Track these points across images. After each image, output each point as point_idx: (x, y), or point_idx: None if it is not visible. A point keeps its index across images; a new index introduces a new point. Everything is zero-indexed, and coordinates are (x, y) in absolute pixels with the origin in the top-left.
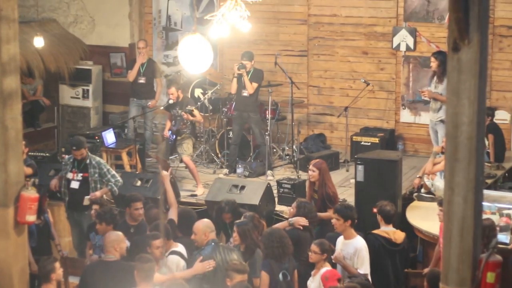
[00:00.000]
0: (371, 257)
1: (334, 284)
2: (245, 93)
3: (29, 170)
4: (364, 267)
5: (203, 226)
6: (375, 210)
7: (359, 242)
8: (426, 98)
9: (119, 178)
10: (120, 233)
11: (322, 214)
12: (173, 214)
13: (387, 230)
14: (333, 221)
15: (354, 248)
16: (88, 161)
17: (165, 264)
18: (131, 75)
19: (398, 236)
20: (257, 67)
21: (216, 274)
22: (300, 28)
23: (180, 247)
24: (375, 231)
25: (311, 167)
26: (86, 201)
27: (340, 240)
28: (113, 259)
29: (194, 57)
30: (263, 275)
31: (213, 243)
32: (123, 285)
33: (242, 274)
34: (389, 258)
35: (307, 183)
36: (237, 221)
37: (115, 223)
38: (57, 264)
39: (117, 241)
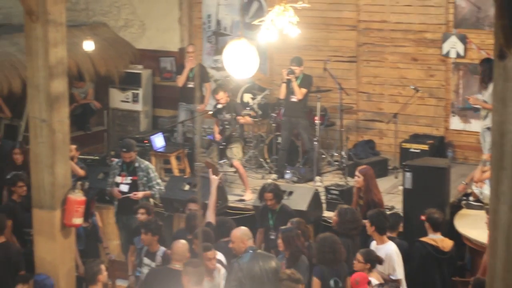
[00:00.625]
0: (418, 264)
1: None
2: (293, 99)
3: (82, 172)
4: (396, 273)
5: (241, 234)
6: (423, 217)
7: (389, 248)
8: (474, 105)
9: (163, 187)
10: (185, 242)
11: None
12: (210, 217)
13: (435, 238)
14: (367, 225)
15: (384, 254)
16: (137, 164)
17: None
18: (180, 80)
19: (446, 244)
20: (306, 73)
21: (254, 282)
22: (350, 34)
23: (220, 255)
24: (423, 239)
25: (356, 173)
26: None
27: (373, 245)
28: (181, 269)
29: (239, 62)
30: (315, 281)
31: (250, 251)
32: None
33: (301, 284)
34: (436, 266)
35: (354, 189)
36: (282, 227)
37: (160, 234)
38: (103, 266)
39: (185, 251)
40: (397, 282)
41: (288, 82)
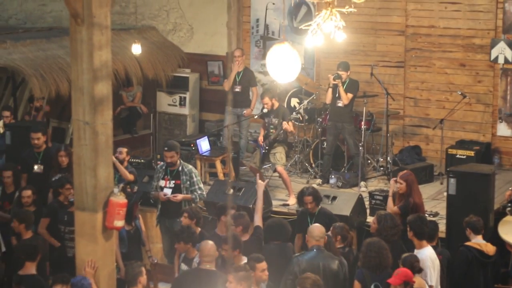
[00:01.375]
0: (463, 269)
1: (396, 283)
2: (339, 104)
3: (131, 177)
4: (427, 278)
5: (318, 232)
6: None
7: (423, 253)
8: None
9: (204, 192)
10: (213, 242)
11: None
12: (258, 221)
13: (479, 242)
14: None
15: (419, 259)
16: (180, 168)
17: None
18: (227, 84)
19: (490, 248)
20: (353, 78)
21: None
22: (398, 39)
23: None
24: (468, 243)
25: (398, 179)
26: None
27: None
28: (212, 269)
29: (282, 66)
30: (355, 284)
31: (315, 249)
32: None
33: None
34: (481, 270)
35: (396, 195)
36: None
37: (193, 242)
38: (143, 269)
39: (213, 251)
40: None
41: (335, 86)
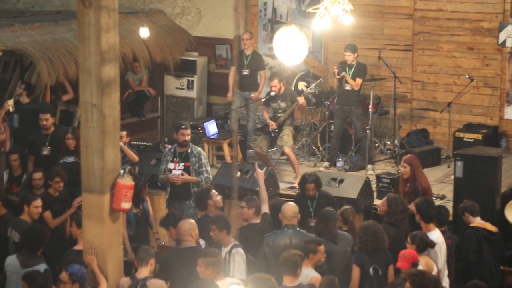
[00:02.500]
0: (475, 248)
1: (406, 266)
2: (347, 87)
3: (137, 157)
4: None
5: (291, 211)
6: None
7: (432, 237)
8: None
9: (210, 176)
10: (192, 220)
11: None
12: (265, 209)
13: (482, 223)
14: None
15: None
16: (189, 150)
17: (233, 258)
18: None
19: (491, 227)
20: (361, 61)
21: (277, 259)
22: (406, 22)
23: (237, 241)
24: (472, 225)
25: (402, 163)
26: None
27: None
28: (193, 245)
29: (289, 49)
30: (354, 268)
31: (285, 229)
32: None
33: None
34: (490, 248)
35: (400, 179)
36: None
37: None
38: (154, 252)
39: (192, 228)
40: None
41: (341, 78)
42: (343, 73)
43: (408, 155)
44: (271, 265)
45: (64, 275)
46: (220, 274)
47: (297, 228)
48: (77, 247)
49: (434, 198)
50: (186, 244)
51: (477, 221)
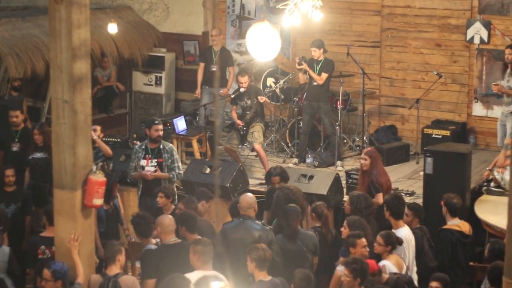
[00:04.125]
0: (448, 252)
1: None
2: (315, 83)
3: (111, 152)
4: (404, 258)
5: (246, 203)
6: (442, 202)
7: (400, 233)
8: (497, 92)
9: (182, 171)
10: (170, 216)
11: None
12: None
13: (458, 224)
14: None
15: None
16: (161, 146)
17: None
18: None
19: (467, 227)
20: (329, 57)
21: (230, 247)
22: (374, 19)
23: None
24: (447, 226)
25: (363, 155)
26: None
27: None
28: (177, 241)
29: (262, 45)
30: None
31: (241, 219)
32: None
33: None
34: (462, 250)
35: (360, 172)
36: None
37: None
38: (123, 248)
39: (173, 224)
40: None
41: (304, 70)
42: (304, 65)
43: (369, 148)
44: (224, 254)
45: (46, 272)
46: (207, 265)
47: (253, 220)
48: (44, 234)
49: (403, 195)
50: (170, 241)
51: (453, 222)
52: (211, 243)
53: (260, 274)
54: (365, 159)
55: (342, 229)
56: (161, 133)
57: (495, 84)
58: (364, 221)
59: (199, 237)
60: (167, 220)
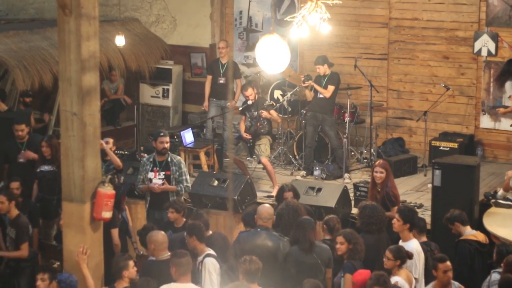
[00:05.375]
0: (467, 262)
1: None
2: (321, 95)
3: (122, 164)
4: (412, 271)
5: (266, 213)
6: (445, 221)
7: (410, 246)
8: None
9: (190, 184)
10: (163, 232)
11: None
12: None
13: (474, 234)
14: (394, 220)
15: None
16: (169, 159)
17: (204, 267)
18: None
19: (482, 237)
20: (335, 70)
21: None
22: (381, 31)
23: (212, 251)
24: (465, 237)
25: (377, 168)
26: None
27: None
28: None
29: (271, 57)
30: (347, 277)
31: (259, 229)
32: None
33: None
34: (481, 259)
35: (369, 184)
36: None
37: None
38: (131, 262)
39: (166, 241)
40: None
41: (310, 86)
42: (309, 82)
43: (380, 161)
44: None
45: (53, 284)
46: (183, 277)
47: (271, 231)
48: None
49: (412, 207)
50: (163, 256)
51: (468, 232)
52: (188, 255)
53: (253, 286)
54: (381, 172)
55: (338, 245)
56: (166, 145)
57: (499, 109)
58: (355, 232)
59: (208, 248)
60: (161, 236)
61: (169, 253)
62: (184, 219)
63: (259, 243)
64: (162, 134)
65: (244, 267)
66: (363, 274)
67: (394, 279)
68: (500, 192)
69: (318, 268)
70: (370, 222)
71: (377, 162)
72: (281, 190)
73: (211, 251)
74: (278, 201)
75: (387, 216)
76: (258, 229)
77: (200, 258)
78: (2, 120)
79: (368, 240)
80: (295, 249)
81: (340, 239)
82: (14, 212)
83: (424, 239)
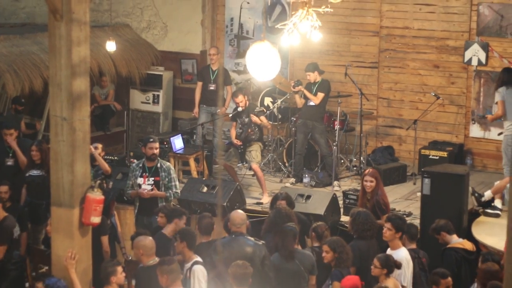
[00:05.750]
0: (454, 270)
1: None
2: (311, 103)
3: (110, 169)
4: (399, 279)
5: (239, 219)
6: (431, 232)
7: (399, 254)
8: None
9: (179, 190)
10: (150, 238)
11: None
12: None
13: (461, 242)
14: (385, 230)
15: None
16: (158, 165)
17: (193, 275)
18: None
19: (469, 245)
20: (325, 78)
21: (221, 261)
22: (372, 39)
23: (199, 259)
24: (451, 245)
25: (367, 177)
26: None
27: (388, 250)
28: (156, 262)
29: (262, 65)
30: (335, 285)
31: (233, 235)
32: None
33: None
34: (468, 267)
35: (360, 193)
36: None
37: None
38: (119, 268)
39: (154, 247)
40: None
41: (300, 92)
42: (300, 87)
43: (370, 169)
44: (222, 273)
45: (40, 286)
46: (176, 283)
47: (246, 236)
48: None
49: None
50: (149, 262)
51: (455, 240)
52: (175, 261)
53: None
54: (371, 181)
55: (324, 254)
56: (155, 151)
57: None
58: (342, 240)
59: (196, 255)
60: (148, 242)
61: (157, 259)
62: (194, 256)
63: (236, 249)
64: (151, 140)
65: (234, 272)
66: (351, 279)
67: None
68: (488, 192)
69: (302, 275)
70: (364, 229)
71: (366, 171)
72: (275, 198)
73: (199, 258)
74: (272, 209)
75: (380, 223)
76: (233, 235)
77: (188, 265)
78: None
79: (362, 247)
80: (276, 255)
81: (325, 247)
82: (1, 214)
83: (414, 246)
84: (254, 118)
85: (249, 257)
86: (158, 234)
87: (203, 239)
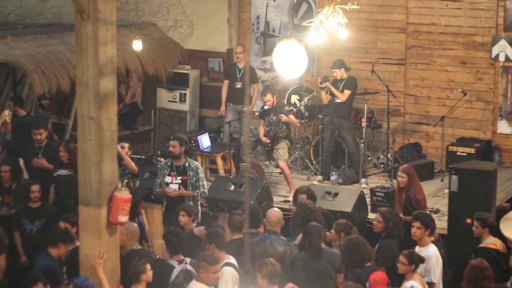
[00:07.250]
0: None
1: None
2: (338, 100)
3: (137, 169)
4: (429, 276)
5: (274, 217)
6: (469, 221)
7: (429, 250)
8: None
9: (206, 190)
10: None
11: (404, 218)
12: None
13: (493, 242)
14: (414, 229)
15: (424, 256)
16: (186, 164)
17: (222, 275)
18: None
19: (501, 245)
20: (352, 75)
21: (252, 260)
22: (399, 36)
23: (232, 259)
24: (484, 245)
25: (399, 173)
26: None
27: (416, 247)
28: (139, 247)
29: (288, 62)
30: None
31: (266, 234)
32: None
33: None
34: (498, 268)
35: (396, 189)
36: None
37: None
38: (148, 266)
39: (138, 232)
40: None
41: (327, 88)
42: (327, 83)
43: (405, 165)
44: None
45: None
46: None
47: (279, 235)
48: None
49: (428, 212)
50: (133, 247)
51: (489, 240)
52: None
53: None
54: (402, 177)
55: (375, 223)
56: (172, 149)
57: None
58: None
59: (228, 256)
60: (134, 227)
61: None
62: (194, 225)
63: (267, 247)
64: (171, 137)
65: (266, 269)
66: (380, 273)
67: (409, 283)
68: None
69: (329, 274)
70: (393, 227)
71: (401, 166)
72: (296, 193)
73: (231, 259)
74: (295, 204)
75: (406, 219)
76: (266, 234)
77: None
78: (21, 124)
79: (392, 246)
80: (304, 254)
81: (378, 217)
82: None
83: (432, 238)
84: (284, 118)
85: (280, 256)
86: (188, 234)
87: (234, 235)
